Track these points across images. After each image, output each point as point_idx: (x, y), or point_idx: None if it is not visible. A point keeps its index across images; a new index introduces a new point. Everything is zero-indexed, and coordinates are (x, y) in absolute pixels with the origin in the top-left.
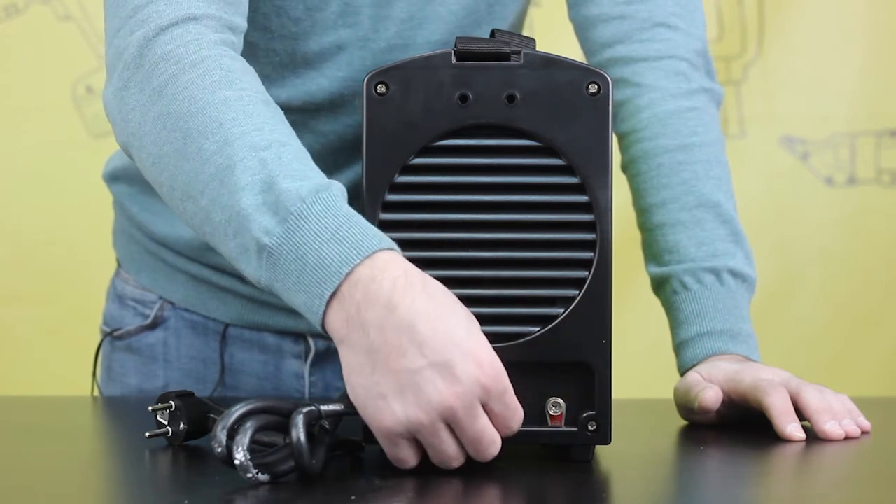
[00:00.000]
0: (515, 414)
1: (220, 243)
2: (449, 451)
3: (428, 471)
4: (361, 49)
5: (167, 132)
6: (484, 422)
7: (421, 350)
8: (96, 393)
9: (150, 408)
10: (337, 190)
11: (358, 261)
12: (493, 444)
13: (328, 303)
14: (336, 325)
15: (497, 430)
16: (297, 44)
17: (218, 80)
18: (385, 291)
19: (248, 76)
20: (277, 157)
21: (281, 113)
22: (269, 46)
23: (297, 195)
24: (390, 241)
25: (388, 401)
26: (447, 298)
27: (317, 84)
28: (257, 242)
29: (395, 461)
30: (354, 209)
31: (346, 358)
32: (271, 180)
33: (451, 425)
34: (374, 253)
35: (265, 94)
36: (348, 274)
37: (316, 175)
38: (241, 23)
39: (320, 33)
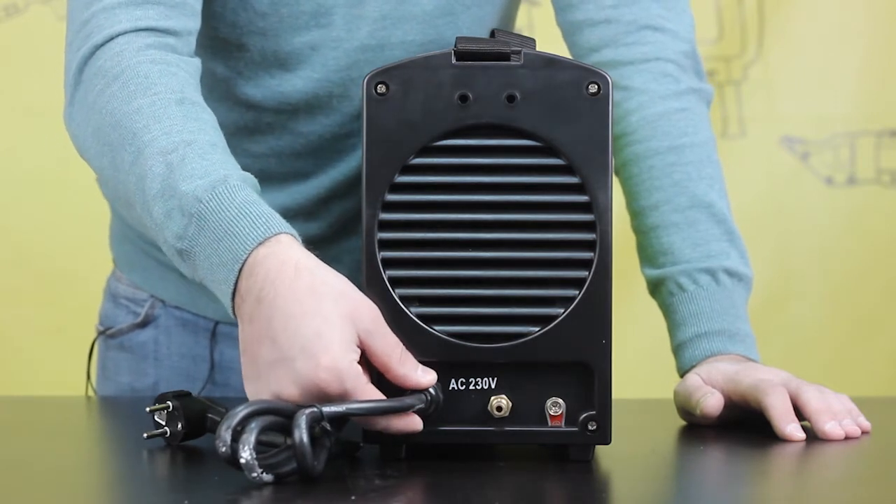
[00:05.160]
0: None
1: (161, 246)
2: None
3: (427, 471)
4: (335, 49)
5: (100, 146)
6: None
7: (273, 344)
8: (90, 392)
9: (147, 408)
10: (234, 180)
11: (244, 256)
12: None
13: (233, 298)
14: (239, 316)
15: None
16: (267, 41)
17: (134, 90)
18: (258, 284)
19: (165, 77)
20: (181, 158)
21: (197, 107)
22: (240, 42)
23: (193, 196)
24: (278, 226)
25: (251, 383)
26: (313, 295)
27: (291, 85)
28: (174, 248)
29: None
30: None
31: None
32: (174, 185)
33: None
34: (256, 247)
35: (181, 93)
36: (240, 270)
37: (215, 169)
38: (186, 24)
39: (292, 33)
